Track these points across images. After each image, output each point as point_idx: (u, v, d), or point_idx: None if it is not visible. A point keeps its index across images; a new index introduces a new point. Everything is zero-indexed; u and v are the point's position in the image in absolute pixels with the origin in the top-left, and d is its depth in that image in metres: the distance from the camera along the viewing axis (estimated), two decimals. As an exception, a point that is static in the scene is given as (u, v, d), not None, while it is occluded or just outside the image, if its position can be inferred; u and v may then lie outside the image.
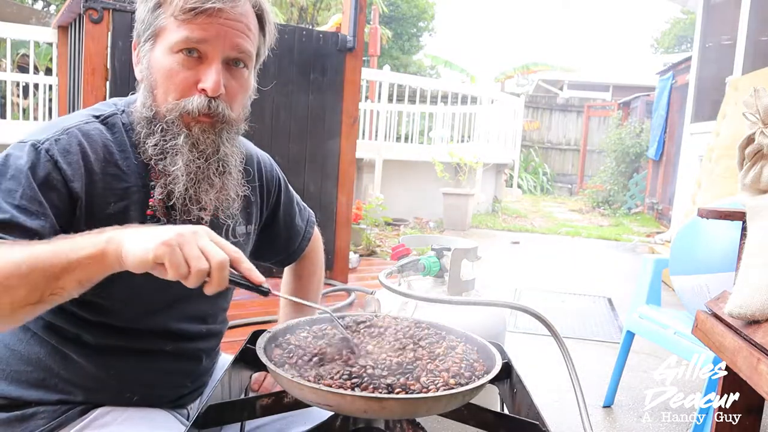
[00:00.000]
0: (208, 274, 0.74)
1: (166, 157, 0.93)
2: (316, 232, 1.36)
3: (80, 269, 0.74)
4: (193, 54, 0.91)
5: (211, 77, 0.90)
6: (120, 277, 0.86)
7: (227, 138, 0.97)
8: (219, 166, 0.96)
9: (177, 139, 0.92)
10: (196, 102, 0.91)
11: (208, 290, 0.75)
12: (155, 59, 0.93)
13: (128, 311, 0.97)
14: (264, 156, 1.20)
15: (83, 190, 0.89)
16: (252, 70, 1.00)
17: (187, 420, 1.08)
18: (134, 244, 0.74)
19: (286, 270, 1.38)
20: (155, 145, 0.92)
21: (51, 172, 0.86)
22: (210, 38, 0.90)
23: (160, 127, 0.92)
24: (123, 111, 0.98)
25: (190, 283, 0.74)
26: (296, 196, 1.30)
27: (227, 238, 1.05)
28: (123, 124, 0.96)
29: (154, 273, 0.75)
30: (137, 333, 0.99)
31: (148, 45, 0.94)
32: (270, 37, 1.01)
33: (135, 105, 0.98)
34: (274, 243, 1.25)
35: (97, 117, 0.96)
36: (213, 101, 0.92)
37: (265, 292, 0.80)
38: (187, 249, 0.73)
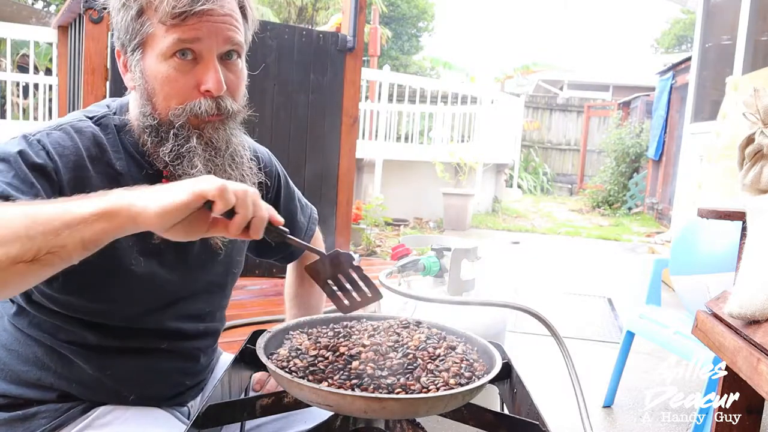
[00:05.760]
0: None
1: (182, 161, 0.92)
2: (318, 230, 1.34)
3: (84, 226, 0.68)
4: (188, 56, 0.90)
5: (212, 78, 0.90)
6: (116, 278, 0.86)
7: (234, 130, 0.98)
8: (233, 159, 0.97)
9: (190, 141, 0.92)
10: (204, 105, 0.91)
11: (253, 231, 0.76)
12: (149, 67, 0.91)
13: (123, 312, 0.97)
14: (262, 150, 1.19)
15: (71, 184, 0.88)
16: (243, 58, 0.99)
17: (188, 418, 1.08)
18: (153, 197, 0.70)
19: (289, 268, 1.36)
20: (170, 151, 0.92)
21: (43, 161, 0.86)
22: (203, 37, 0.89)
23: (173, 133, 0.92)
24: (115, 112, 0.99)
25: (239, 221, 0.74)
26: (298, 193, 1.28)
27: None
28: (115, 125, 0.97)
29: (177, 230, 0.72)
30: (133, 332, 0.99)
31: (137, 54, 0.92)
32: (253, 23, 1.00)
33: (129, 112, 0.98)
34: None
35: (90, 117, 0.96)
36: (221, 100, 0.92)
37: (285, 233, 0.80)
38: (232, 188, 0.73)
